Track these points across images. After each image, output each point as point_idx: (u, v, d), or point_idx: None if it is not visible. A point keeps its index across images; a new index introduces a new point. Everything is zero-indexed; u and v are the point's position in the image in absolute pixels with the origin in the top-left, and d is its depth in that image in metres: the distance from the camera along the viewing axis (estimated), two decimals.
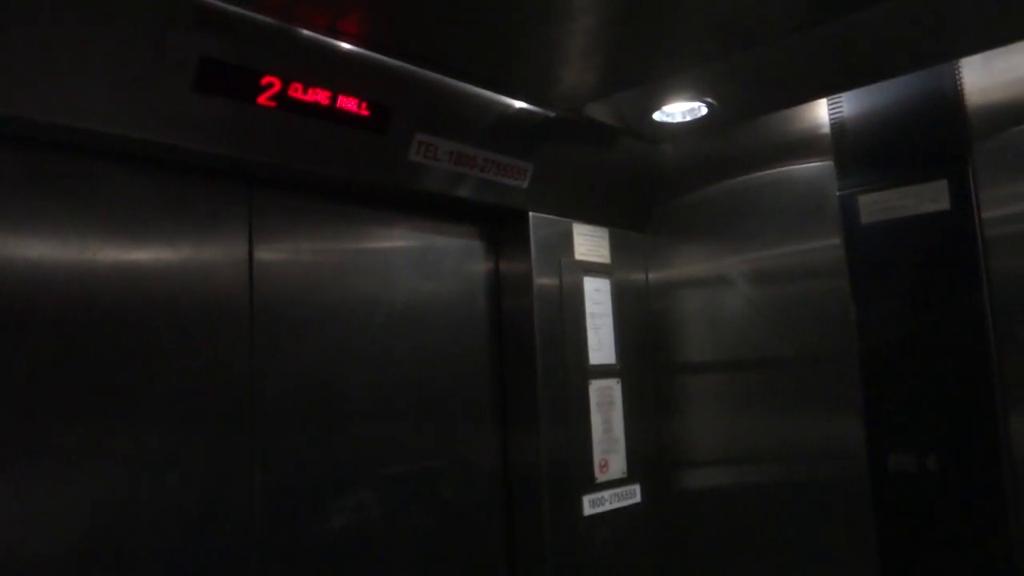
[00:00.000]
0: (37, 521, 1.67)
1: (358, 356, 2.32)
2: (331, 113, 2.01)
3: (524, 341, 2.67)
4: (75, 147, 1.77)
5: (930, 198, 2.48)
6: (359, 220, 2.39)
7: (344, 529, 2.21)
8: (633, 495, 2.90)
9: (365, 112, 2.08)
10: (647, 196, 3.16)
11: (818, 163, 2.75)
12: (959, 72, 2.46)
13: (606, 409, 2.82)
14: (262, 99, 1.87)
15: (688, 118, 2.60)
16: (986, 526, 2.38)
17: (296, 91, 1.92)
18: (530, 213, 2.68)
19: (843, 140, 2.68)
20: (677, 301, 3.13)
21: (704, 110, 2.54)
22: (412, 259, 2.52)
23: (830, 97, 2.67)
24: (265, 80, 1.86)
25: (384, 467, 2.35)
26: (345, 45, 1.94)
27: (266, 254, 2.13)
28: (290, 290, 2.18)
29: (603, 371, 2.84)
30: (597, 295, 2.87)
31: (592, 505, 2.71)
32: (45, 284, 1.72)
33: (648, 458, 3.00)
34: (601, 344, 2.85)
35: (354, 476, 2.27)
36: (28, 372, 1.69)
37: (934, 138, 2.52)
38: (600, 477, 2.77)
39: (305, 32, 1.86)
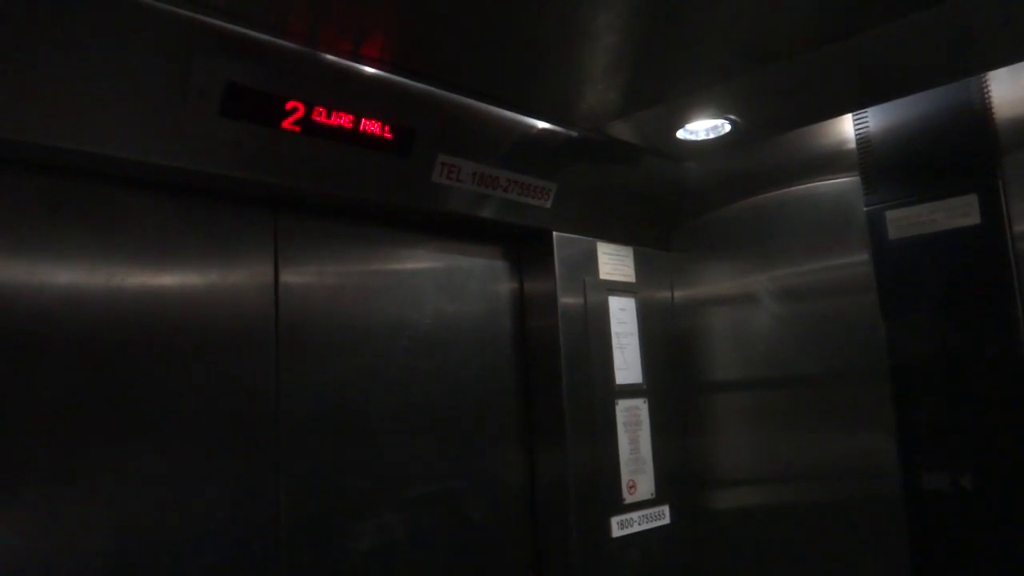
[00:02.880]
0: (65, 543, 1.68)
1: (383, 377, 2.33)
2: (355, 136, 2.02)
3: (550, 361, 2.66)
4: (100, 174, 1.79)
5: (960, 213, 2.44)
6: (383, 242, 2.40)
7: (370, 550, 2.20)
8: (662, 516, 2.86)
9: (388, 135, 2.09)
10: (671, 214, 3.15)
11: (844, 179, 2.73)
12: (987, 85, 2.43)
13: (633, 429, 2.79)
14: (286, 124, 1.88)
15: (712, 135, 2.59)
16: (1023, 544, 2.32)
17: (320, 115, 1.93)
18: (554, 233, 2.67)
19: (869, 155, 2.65)
20: (703, 319, 3.10)
21: (728, 127, 2.53)
22: (437, 280, 2.52)
23: (855, 112, 2.65)
24: (289, 105, 1.88)
25: (409, 488, 2.34)
26: (368, 69, 1.96)
27: (292, 277, 2.15)
28: (315, 313, 2.18)
29: (630, 391, 2.82)
30: (622, 314, 2.86)
31: (621, 527, 2.68)
32: (73, 310, 1.74)
33: (677, 478, 2.96)
34: (627, 363, 2.82)
35: (380, 497, 2.26)
36: (56, 397, 1.71)
37: (962, 152, 2.49)
38: (628, 498, 2.74)
39: (329, 57, 1.88)
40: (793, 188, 2.88)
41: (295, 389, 2.10)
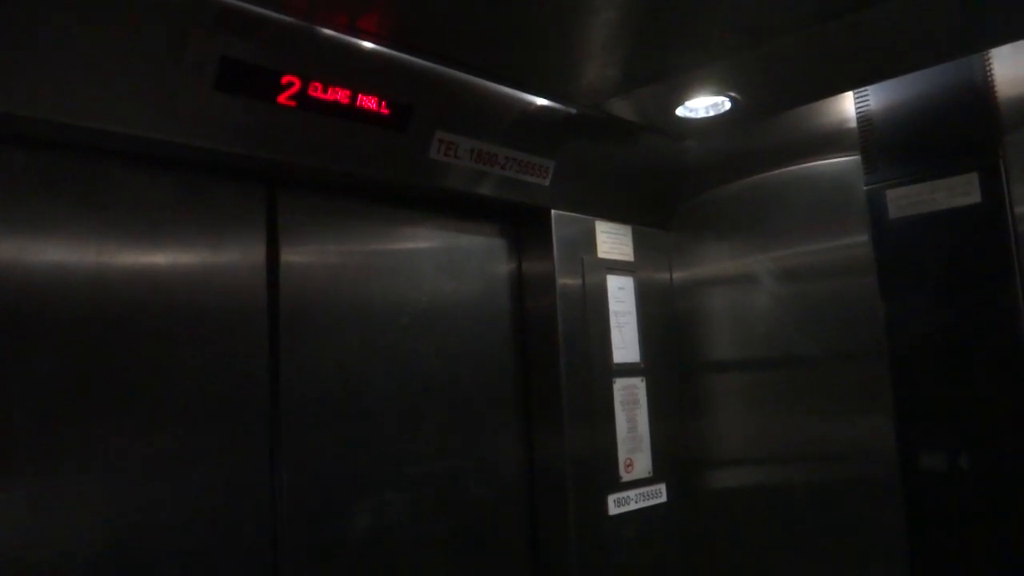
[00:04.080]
0: (56, 525, 1.68)
1: (383, 356, 2.32)
2: (351, 112, 2.01)
3: (548, 339, 2.65)
4: (93, 148, 1.77)
5: (960, 191, 2.43)
6: (382, 219, 2.39)
7: (368, 528, 2.21)
8: (659, 495, 2.87)
9: (385, 111, 2.07)
10: (671, 193, 3.14)
11: (845, 158, 2.71)
12: (989, 63, 2.41)
13: (631, 408, 2.79)
14: (282, 98, 1.87)
15: (711, 113, 2.57)
16: (1020, 525, 2.32)
17: (316, 90, 1.91)
18: (552, 211, 2.66)
19: (870, 134, 2.63)
20: (702, 299, 3.10)
21: (728, 105, 2.51)
22: (435, 259, 2.51)
23: (856, 90, 2.63)
24: (285, 79, 1.86)
25: (407, 467, 2.34)
26: (366, 44, 1.94)
27: (288, 254, 2.13)
28: (311, 290, 2.17)
29: (627, 370, 2.82)
30: (621, 293, 2.85)
31: (617, 504, 2.69)
32: (65, 287, 1.73)
33: (674, 457, 2.97)
34: (625, 342, 2.82)
35: (378, 475, 2.26)
36: (47, 376, 1.69)
37: (964, 130, 2.47)
38: (625, 476, 2.74)
39: (325, 31, 1.86)
40: (793, 168, 2.87)
41: (288, 366, 2.10)
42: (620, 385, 2.77)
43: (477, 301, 2.62)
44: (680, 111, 2.55)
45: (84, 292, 1.76)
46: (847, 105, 2.68)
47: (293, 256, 2.14)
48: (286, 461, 2.06)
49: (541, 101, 2.37)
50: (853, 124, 2.67)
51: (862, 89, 2.62)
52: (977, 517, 2.40)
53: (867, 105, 2.63)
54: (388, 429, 2.30)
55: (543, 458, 2.65)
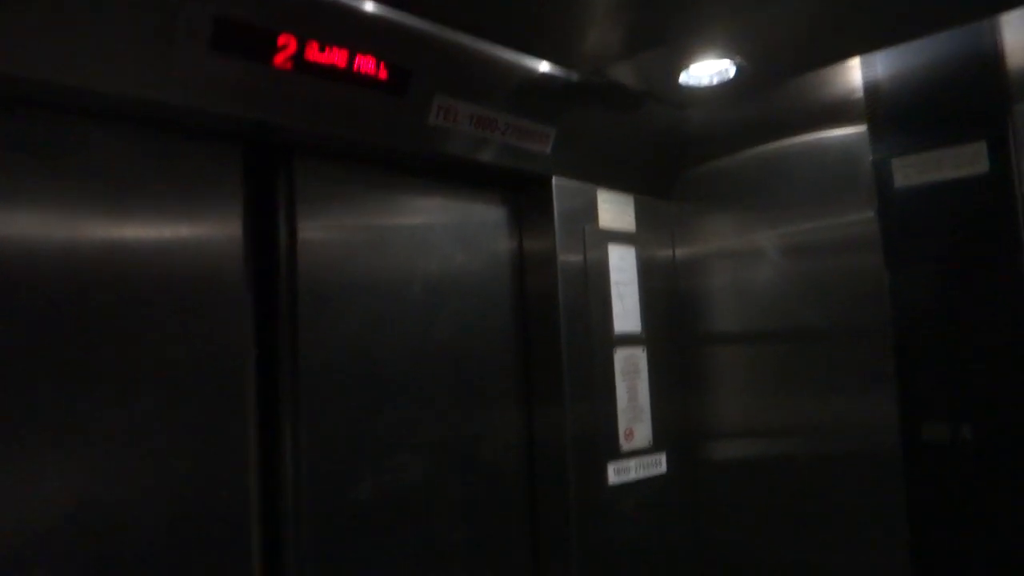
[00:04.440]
0: (27, 501, 1.63)
1: (394, 326, 2.31)
2: (349, 75, 1.97)
3: (548, 308, 2.63)
4: (76, 110, 1.72)
5: (968, 161, 2.39)
6: (383, 186, 2.36)
7: (376, 493, 2.21)
8: (659, 465, 2.86)
9: (383, 74, 2.04)
10: (673, 163, 3.10)
11: (851, 129, 2.67)
12: (999, 29, 2.37)
13: (631, 378, 2.78)
14: (278, 59, 1.84)
15: (715, 81, 2.53)
16: (1020, 496, 2.31)
17: (312, 51, 1.88)
18: (553, 179, 2.63)
19: (877, 103, 2.59)
20: (704, 270, 3.07)
21: (732, 71, 2.47)
22: (435, 227, 2.48)
23: (863, 57, 2.59)
24: (281, 40, 1.83)
25: (415, 435, 2.34)
26: (365, 5, 1.91)
27: (292, 222, 2.12)
28: (304, 258, 2.14)
29: (628, 340, 2.80)
30: (622, 263, 2.82)
31: (617, 474, 2.68)
32: (43, 259, 1.68)
33: (675, 428, 2.96)
34: (626, 313, 2.80)
35: (388, 441, 2.27)
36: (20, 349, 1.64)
37: (972, 99, 2.43)
38: (625, 446, 2.73)
39: None
40: (798, 138, 2.83)
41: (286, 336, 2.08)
42: (621, 355, 2.76)
43: (476, 269, 2.59)
44: (683, 78, 2.51)
45: (60, 265, 1.70)
46: (854, 74, 2.64)
47: (304, 222, 2.13)
48: (302, 428, 2.05)
49: (542, 66, 2.33)
50: (860, 94, 2.63)
51: (869, 56, 2.58)
52: (978, 489, 2.39)
53: (874, 73, 2.59)
54: (399, 398, 2.30)
55: (543, 426, 2.63)
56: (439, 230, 2.50)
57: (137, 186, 1.84)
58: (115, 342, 1.78)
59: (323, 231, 2.18)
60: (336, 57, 1.93)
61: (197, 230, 1.94)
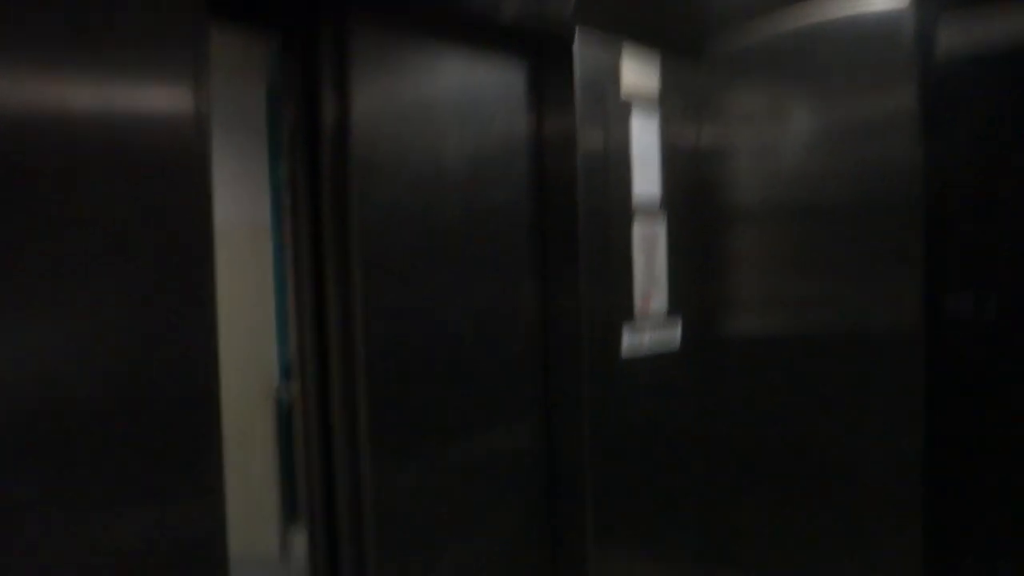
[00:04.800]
0: None
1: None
2: None
3: (567, 175, 2.52)
4: None
5: (1019, 21, 2.25)
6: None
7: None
8: (672, 340, 2.82)
9: None
10: (701, 21, 2.92)
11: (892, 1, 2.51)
12: None
13: (650, 249, 2.70)
14: None
15: None
16: None
17: None
18: (577, 29, 2.47)
19: None
20: (728, 140, 2.93)
21: None
22: (451, 91, 2.34)
23: None
24: None
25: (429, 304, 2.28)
26: None
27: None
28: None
29: (648, 210, 2.71)
30: (644, 130, 2.71)
31: (631, 347, 2.64)
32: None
33: (691, 302, 2.89)
34: (647, 181, 2.70)
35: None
36: None
37: None
38: (640, 319, 2.68)
39: None
40: (838, 9, 2.66)
41: None
42: (640, 225, 2.67)
43: (494, 132, 2.47)
44: None
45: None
46: None
47: None
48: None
49: None
50: None
51: None
52: (1000, 368, 2.36)
53: None
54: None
55: (559, 294, 2.56)
56: (459, 96, 2.36)
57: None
58: None
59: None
60: None
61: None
